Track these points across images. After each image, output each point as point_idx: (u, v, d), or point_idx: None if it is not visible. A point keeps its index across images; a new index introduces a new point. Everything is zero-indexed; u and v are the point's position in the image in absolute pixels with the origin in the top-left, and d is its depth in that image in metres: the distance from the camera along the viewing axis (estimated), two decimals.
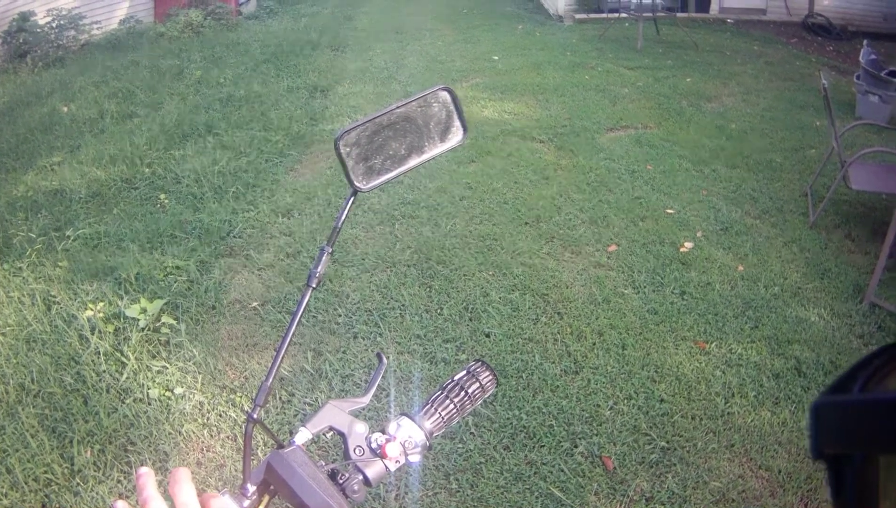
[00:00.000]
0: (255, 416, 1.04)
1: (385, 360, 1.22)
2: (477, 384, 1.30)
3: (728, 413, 3.74)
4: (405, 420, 1.24)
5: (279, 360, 1.07)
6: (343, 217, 1.12)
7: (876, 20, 11.84)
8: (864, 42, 8.04)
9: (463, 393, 1.29)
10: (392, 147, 1.18)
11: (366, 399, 1.21)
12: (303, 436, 1.13)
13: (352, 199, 1.15)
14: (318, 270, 1.16)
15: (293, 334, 1.06)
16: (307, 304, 1.09)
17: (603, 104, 7.74)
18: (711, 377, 3.96)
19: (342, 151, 1.14)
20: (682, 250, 5.12)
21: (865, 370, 0.61)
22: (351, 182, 1.15)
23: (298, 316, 1.07)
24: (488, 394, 1.32)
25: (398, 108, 1.17)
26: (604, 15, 12.76)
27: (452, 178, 5.69)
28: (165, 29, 11.57)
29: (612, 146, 6.55)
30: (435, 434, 1.25)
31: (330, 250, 1.13)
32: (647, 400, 3.72)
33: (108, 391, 3.56)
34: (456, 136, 1.25)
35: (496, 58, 9.25)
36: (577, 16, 12.98)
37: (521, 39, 10.89)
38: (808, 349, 4.30)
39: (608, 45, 10.16)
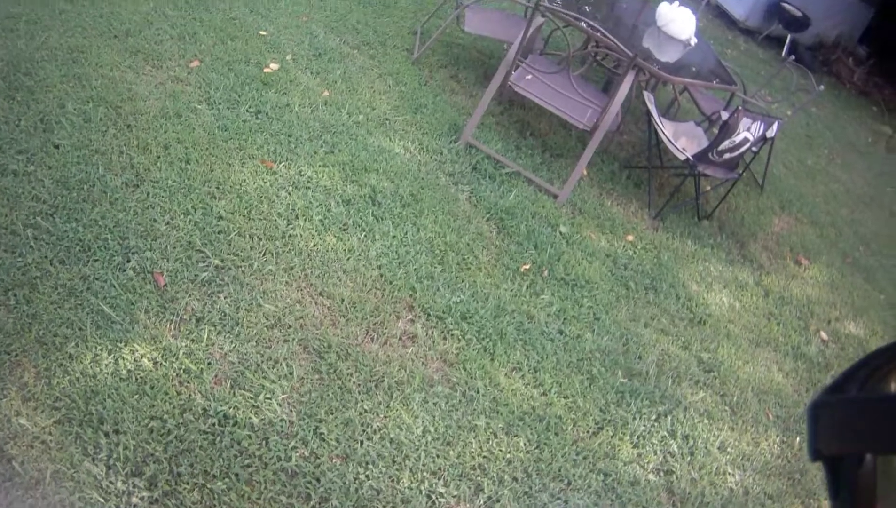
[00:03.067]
0: None
1: None
2: None
3: (290, 236, 3.64)
4: None
5: None
6: None
7: None
8: None
9: None
10: None
11: None
12: None
13: None
14: None
15: None
16: None
17: None
18: (276, 198, 3.84)
19: None
20: (266, 70, 4.92)
21: (864, 371, 0.59)
22: None
23: None
24: None
25: None
26: None
27: None
28: None
29: None
30: None
31: None
32: (205, 216, 3.57)
33: None
34: None
35: None
36: None
37: None
38: (386, 179, 4.31)
39: None
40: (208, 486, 2.54)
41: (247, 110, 4.41)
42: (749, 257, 5.41)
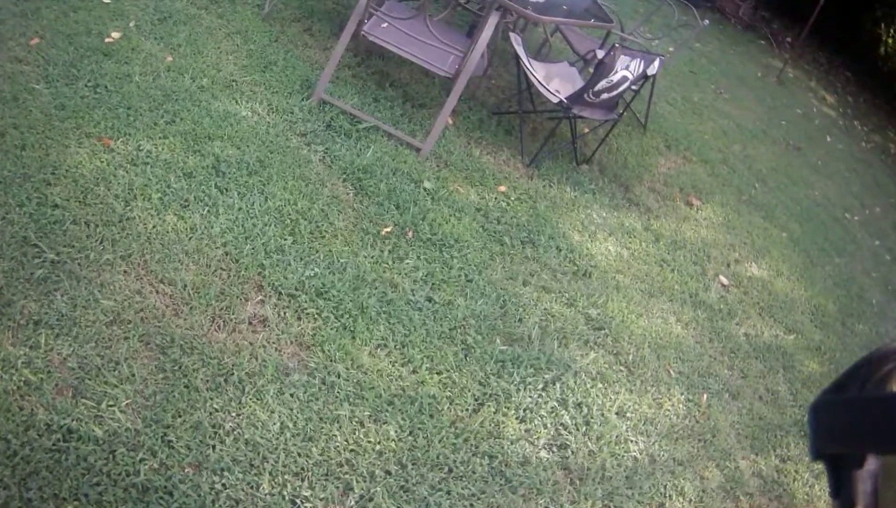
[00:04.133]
0: None
1: None
2: None
3: (127, 219, 3.43)
4: None
5: None
6: None
7: None
8: None
9: None
10: None
11: None
12: None
13: None
14: None
15: None
16: None
17: None
18: (112, 178, 3.62)
19: None
20: (107, 40, 4.66)
21: (864, 371, 0.61)
22: None
23: None
24: None
25: None
26: None
27: None
28: None
29: None
30: None
31: None
32: (40, 206, 3.35)
33: None
34: None
35: None
36: None
37: None
38: (231, 145, 4.10)
39: None
40: None
41: (85, 85, 4.16)
42: (635, 201, 5.35)
